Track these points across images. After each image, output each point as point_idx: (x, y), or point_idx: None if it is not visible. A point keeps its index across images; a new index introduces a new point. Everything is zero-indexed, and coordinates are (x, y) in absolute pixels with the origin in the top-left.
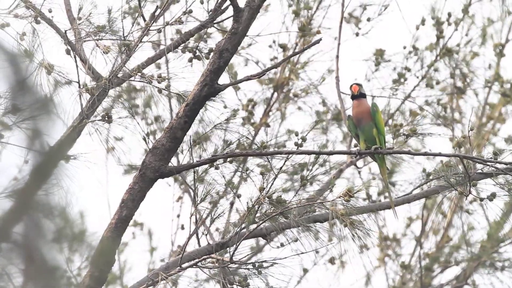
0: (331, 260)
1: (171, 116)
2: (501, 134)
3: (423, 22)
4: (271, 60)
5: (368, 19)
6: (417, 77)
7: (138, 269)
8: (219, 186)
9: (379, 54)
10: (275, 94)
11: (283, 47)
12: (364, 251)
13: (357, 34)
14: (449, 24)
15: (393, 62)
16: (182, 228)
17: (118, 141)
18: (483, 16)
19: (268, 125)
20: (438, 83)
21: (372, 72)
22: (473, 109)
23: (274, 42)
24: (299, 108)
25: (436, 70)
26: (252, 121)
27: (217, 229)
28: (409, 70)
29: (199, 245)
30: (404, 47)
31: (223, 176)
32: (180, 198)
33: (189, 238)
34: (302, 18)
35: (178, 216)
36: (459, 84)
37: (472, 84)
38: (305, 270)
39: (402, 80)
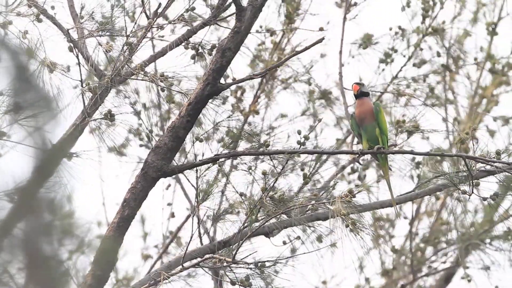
0: (332, 245)
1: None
2: (493, 113)
3: (408, 4)
4: (258, 45)
5: (355, 4)
6: (404, 56)
7: (132, 254)
8: (222, 185)
9: (367, 39)
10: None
11: (270, 32)
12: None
13: (344, 19)
14: (435, 3)
15: (380, 44)
16: (173, 216)
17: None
18: None
19: (257, 112)
20: (425, 62)
21: (354, 57)
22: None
23: (261, 27)
24: (290, 87)
25: (421, 49)
26: (241, 108)
27: (226, 221)
28: (395, 51)
29: (201, 244)
30: (390, 29)
31: (225, 174)
32: (169, 185)
33: (191, 238)
34: (289, 5)
35: (169, 204)
36: (449, 62)
37: (462, 62)
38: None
39: (388, 60)
